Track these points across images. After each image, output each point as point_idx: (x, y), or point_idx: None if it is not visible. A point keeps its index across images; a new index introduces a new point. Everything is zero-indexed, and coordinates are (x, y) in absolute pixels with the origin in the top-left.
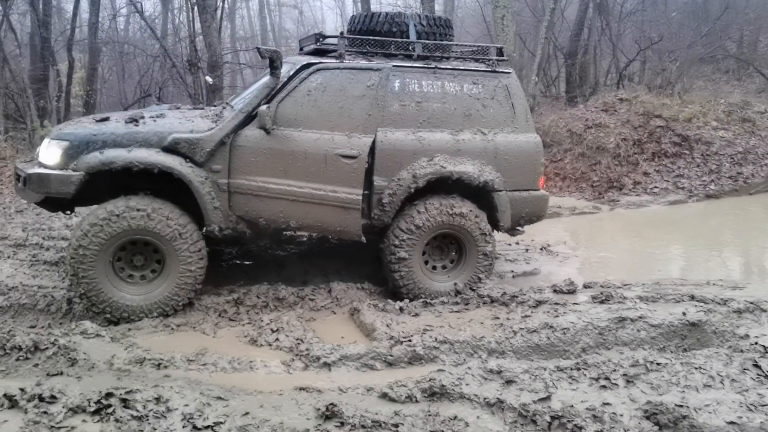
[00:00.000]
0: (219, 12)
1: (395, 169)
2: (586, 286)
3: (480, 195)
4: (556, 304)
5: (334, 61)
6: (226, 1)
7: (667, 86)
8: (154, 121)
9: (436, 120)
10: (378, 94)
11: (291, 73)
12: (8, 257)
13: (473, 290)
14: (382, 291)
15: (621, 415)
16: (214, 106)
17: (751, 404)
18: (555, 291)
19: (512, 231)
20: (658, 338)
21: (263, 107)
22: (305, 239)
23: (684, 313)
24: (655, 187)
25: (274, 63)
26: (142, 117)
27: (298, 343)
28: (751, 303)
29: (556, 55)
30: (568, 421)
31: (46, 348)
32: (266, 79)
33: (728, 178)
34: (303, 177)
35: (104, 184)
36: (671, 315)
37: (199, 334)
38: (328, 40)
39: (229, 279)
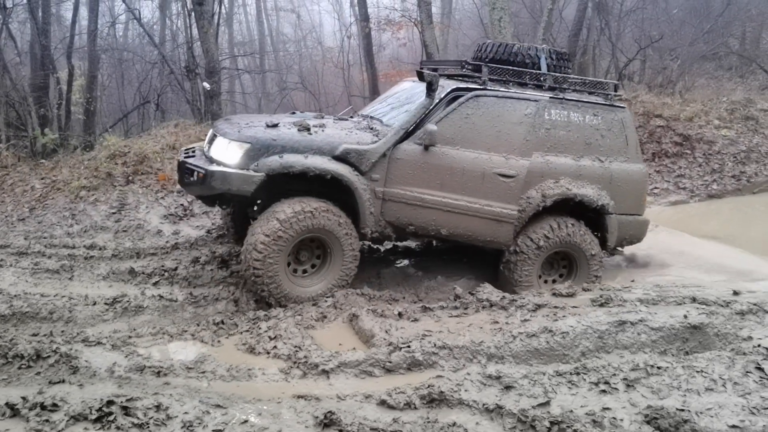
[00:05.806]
0: (216, 18)
1: (525, 189)
2: (585, 289)
3: (592, 216)
4: (555, 307)
5: (484, 87)
6: (223, 7)
7: (668, 85)
8: (323, 130)
9: (561, 146)
10: (535, 122)
11: (442, 95)
12: (10, 265)
13: (472, 294)
14: (381, 296)
15: (621, 420)
16: (350, 117)
17: (754, 407)
18: (554, 294)
19: (613, 250)
20: (659, 341)
21: (433, 126)
22: None
23: (685, 316)
24: (656, 187)
25: (432, 86)
26: (308, 126)
27: (297, 351)
28: (755, 305)
29: None
30: (568, 426)
31: (48, 356)
32: (422, 99)
33: (731, 178)
34: (459, 190)
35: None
36: (672, 318)
37: (198, 342)
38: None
39: (227, 285)
